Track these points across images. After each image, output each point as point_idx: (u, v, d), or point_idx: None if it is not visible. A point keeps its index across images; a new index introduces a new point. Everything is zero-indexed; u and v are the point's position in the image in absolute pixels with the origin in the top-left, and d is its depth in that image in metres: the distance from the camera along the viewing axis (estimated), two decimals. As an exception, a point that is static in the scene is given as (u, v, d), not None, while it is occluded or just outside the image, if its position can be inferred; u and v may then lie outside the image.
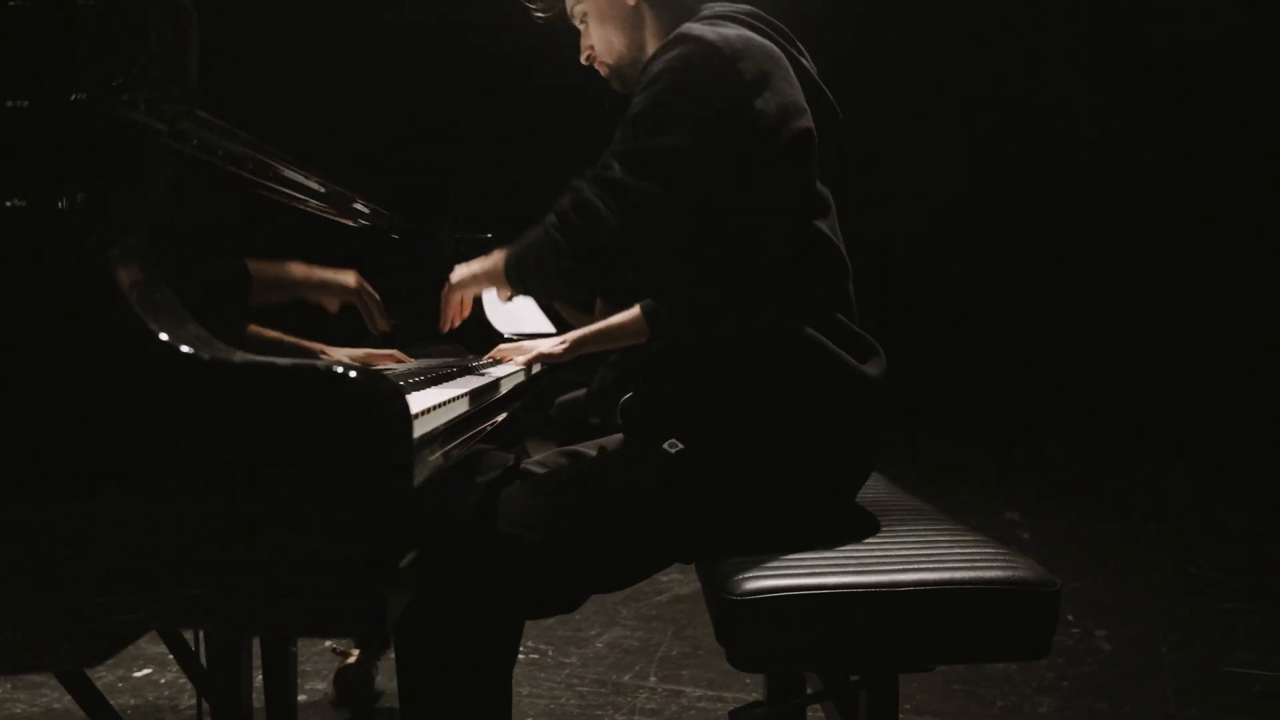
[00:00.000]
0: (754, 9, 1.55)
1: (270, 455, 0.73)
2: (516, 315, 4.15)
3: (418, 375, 1.52)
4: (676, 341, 1.51)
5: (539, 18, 1.73)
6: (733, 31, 1.42)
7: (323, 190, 1.55)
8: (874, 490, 1.69)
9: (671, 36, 1.42)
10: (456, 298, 1.67)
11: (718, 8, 1.53)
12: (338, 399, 0.73)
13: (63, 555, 0.73)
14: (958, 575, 1.23)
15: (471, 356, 2.24)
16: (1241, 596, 3.21)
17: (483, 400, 1.41)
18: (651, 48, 1.57)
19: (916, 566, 1.25)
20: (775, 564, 1.26)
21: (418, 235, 2.10)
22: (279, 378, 0.73)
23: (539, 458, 1.76)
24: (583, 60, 1.69)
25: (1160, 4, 5.87)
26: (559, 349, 2.05)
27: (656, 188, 1.31)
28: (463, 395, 1.26)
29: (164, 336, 0.75)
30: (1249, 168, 6.20)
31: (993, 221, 6.82)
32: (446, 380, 1.55)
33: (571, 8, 1.65)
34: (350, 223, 1.78)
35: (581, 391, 4.48)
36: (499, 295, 1.59)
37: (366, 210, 1.86)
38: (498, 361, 2.11)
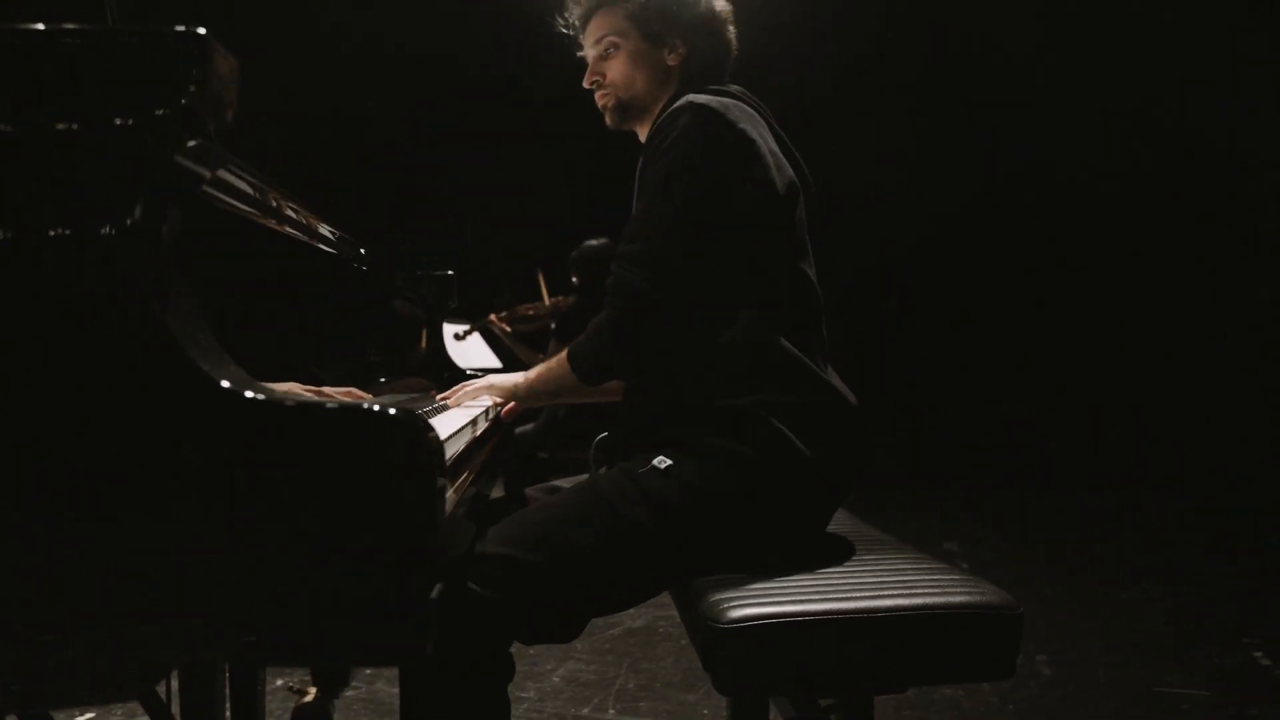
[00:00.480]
0: (744, 90, 1.73)
1: (321, 491, 0.77)
2: (469, 353, 4.18)
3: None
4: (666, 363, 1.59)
5: (561, 29, 1.84)
6: (734, 104, 1.59)
7: (329, 235, 1.59)
8: (836, 520, 1.77)
9: (678, 105, 1.58)
10: (465, 395, 1.87)
11: (683, 116, 1.65)
12: (386, 437, 0.77)
13: (128, 588, 0.75)
14: (930, 600, 1.30)
15: (434, 391, 2.26)
16: (1164, 619, 3.37)
17: (475, 435, 1.45)
18: (665, 100, 1.73)
19: (891, 593, 1.32)
20: (757, 592, 1.32)
21: (380, 268, 2.11)
22: (329, 418, 0.77)
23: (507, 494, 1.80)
24: (586, 84, 1.79)
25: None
26: (507, 386, 2.07)
27: (655, 283, 1.53)
28: (463, 429, 1.31)
29: (226, 384, 0.79)
30: (1193, 197, 6.43)
31: (927, 254, 7.03)
32: (437, 416, 1.59)
33: (601, 35, 1.75)
34: (327, 249, 1.79)
35: (529, 426, 4.51)
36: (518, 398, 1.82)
37: (333, 237, 1.88)
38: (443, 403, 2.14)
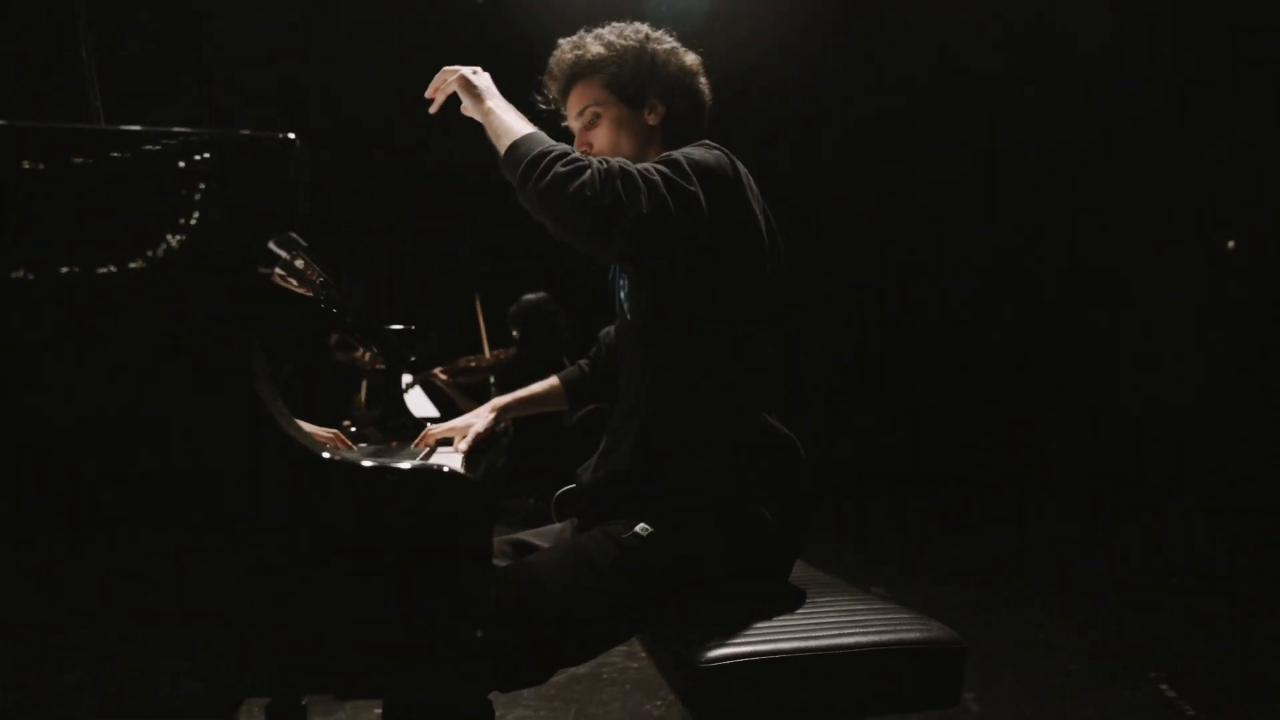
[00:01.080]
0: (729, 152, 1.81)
1: (393, 542, 0.89)
2: (410, 403, 4.25)
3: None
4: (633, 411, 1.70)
5: (541, 107, 1.91)
6: (721, 152, 1.69)
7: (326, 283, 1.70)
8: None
9: (674, 152, 1.65)
10: (443, 80, 1.78)
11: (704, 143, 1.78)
12: (454, 494, 0.90)
13: (233, 628, 0.86)
14: (885, 637, 1.44)
15: (395, 443, 2.33)
16: (1083, 657, 3.57)
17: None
18: (652, 159, 1.76)
19: (850, 631, 1.46)
20: (731, 635, 1.45)
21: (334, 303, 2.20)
22: (401, 476, 0.90)
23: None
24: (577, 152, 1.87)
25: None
26: (489, 421, 2.14)
27: (696, 189, 1.53)
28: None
29: (325, 455, 0.91)
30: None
31: (844, 292, 7.15)
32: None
33: (585, 106, 1.83)
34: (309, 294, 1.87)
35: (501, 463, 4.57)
36: (471, 108, 1.73)
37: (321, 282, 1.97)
38: (434, 446, 2.21)
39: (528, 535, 1.91)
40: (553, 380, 2.19)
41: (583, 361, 2.22)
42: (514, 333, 4.61)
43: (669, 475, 1.62)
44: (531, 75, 1.93)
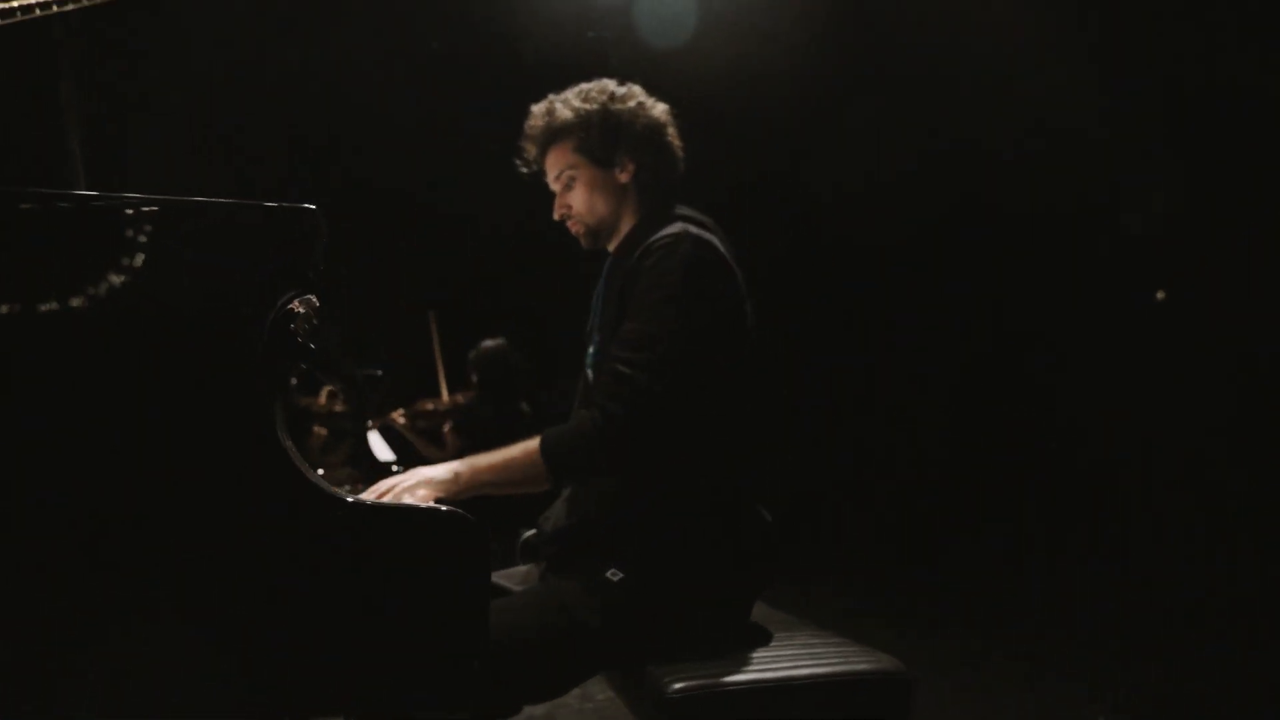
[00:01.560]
0: (713, 223, 1.91)
1: (406, 577, 1.01)
2: (374, 446, 4.32)
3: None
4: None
5: (521, 171, 2.00)
6: (709, 249, 1.78)
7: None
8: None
9: (675, 233, 1.77)
10: (401, 492, 1.74)
11: (686, 210, 1.89)
12: (462, 534, 1.03)
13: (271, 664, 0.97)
14: (837, 669, 1.58)
15: (360, 486, 2.39)
16: (1027, 690, 3.72)
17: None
18: (628, 217, 1.92)
19: (805, 664, 1.59)
20: (695, 669, 1.57)
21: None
22: (414, 516, 1.05)
23: None
24: (556, 216, 1.96)
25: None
26: (443, 478, 2.09)
27: (663, 387, 1.64)
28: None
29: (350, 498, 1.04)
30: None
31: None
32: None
33: (560, 171, 1.92)
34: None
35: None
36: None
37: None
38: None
39: (496, 578, 1.99)
40: (532, 444, 2.15)
41: None
42: (473, 377, 4.69)
43: (637, 523, 1.72)
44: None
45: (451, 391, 4.88)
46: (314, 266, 1.16)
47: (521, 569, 2.02)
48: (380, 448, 4.57)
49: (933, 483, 7.05)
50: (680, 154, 1.96)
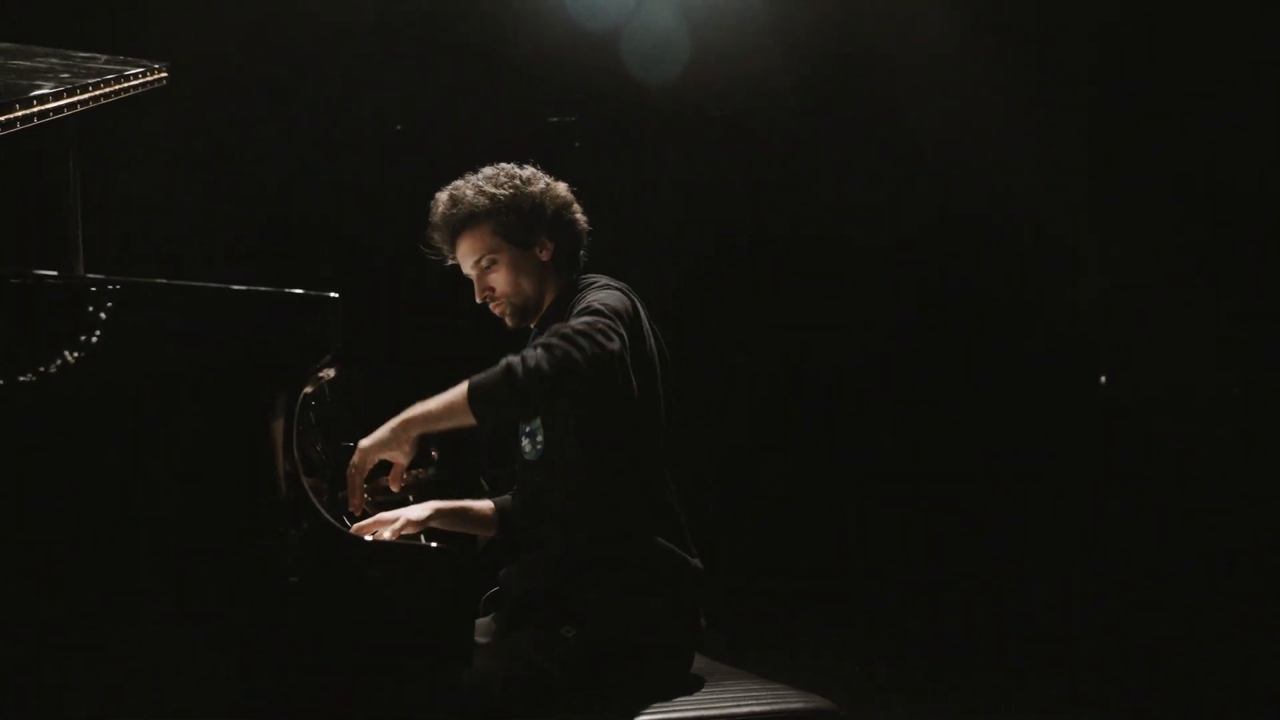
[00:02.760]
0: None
1: (405, 603, 1.23)
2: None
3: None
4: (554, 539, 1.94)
5: (432, 257, 2.07)
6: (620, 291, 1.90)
7: None
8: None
9: (589, 281, 1.93)
10: (360, 475, 1.85)
11: (599, 278, 1.98)
12: (448, 570, 1.24)
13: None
14: (773, 708, 1.72)
15: None
16: None
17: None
18: (549, 293, 2.01)
19: (745, 703, 1.73)
20: (643, 709, 1.71)
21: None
22: (404, 553, 1.32)
23: None
24: (479, 299, 2.02)
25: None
26: (423, 515, 2.20)
27: (618, 346, 1.68)
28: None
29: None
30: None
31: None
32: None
33: (480, 255, 1.97)
34: None
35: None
36: (399, 455, 1.85)
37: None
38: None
39: None
40: (488, 504, 2.30)
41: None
42: (432, 452, 4.74)
43: (584, 585, 1.86)
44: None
45: (410, 468, 4.91)
46: (332, 346, 1.35)
47: (483, 621, 2.13)
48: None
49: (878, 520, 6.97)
50: (586, 232, 2.07)
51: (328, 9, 4.47)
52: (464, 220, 1.96)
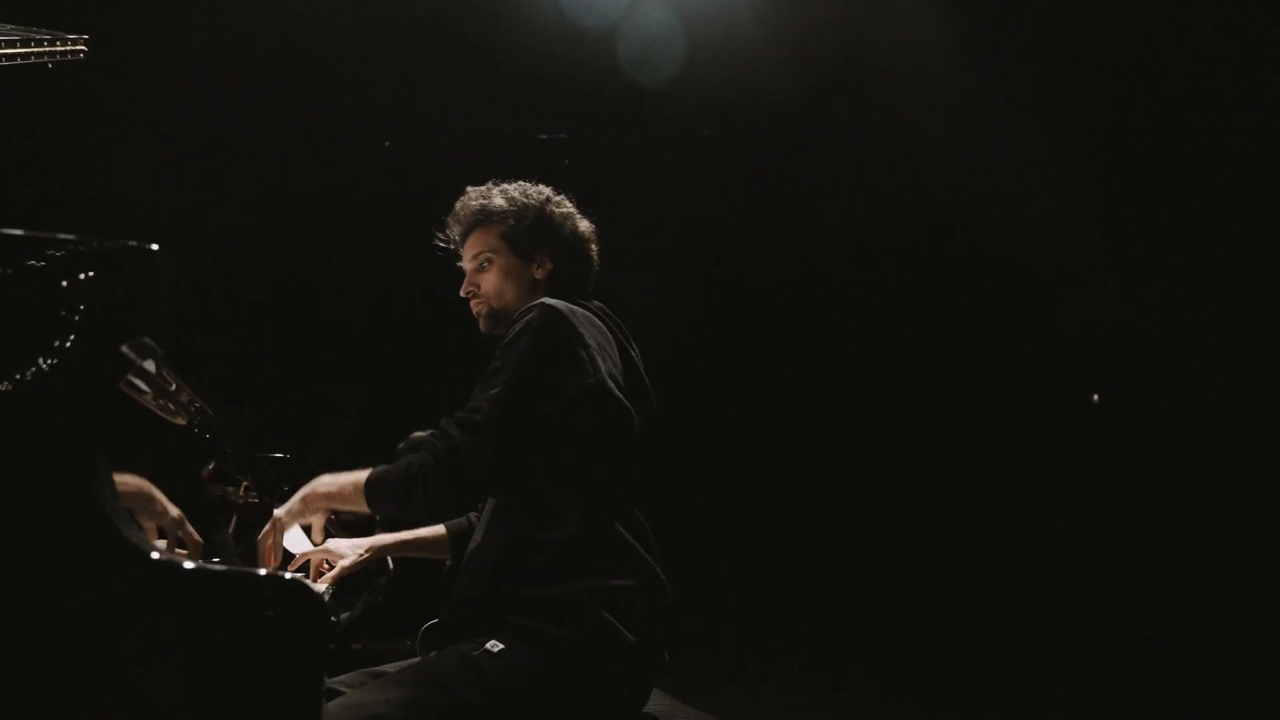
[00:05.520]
0: (604, 307, 1.99)
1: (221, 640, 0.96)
2: (292, 540, 4.11)
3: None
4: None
5: (441, 244, 2.10)
6: (581, 312, 1.89)
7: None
8: (654, 701, 1.91)
9: (533, 304, 1.87)
10: (267, 541, 1.91)
11: (545, 306, 1.93)
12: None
13: None
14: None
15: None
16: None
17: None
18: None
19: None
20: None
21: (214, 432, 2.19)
22: (236, 580, 1.06)
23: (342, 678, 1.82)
24: (463, 293, 2.05)
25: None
26: (358, 560, 2.14)
27: (490, 451, 1.69)
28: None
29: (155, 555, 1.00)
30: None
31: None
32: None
33: (478, 251, 2.01)
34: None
35: (344, 614, 4.36)
36: (313, 521, 1.77)
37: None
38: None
39: (387, 668, 1.88)
40: (439, 528, 2.22)
41: (472, 514, 2.24)
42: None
43: (518, 596, 1.67)
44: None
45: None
46: (153, 307, 1.14)
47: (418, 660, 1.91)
48: (301, 543, 4.36)
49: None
50: (595, 271, 2.08)
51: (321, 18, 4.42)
52: (481, 215, 2.01)
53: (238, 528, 2.62)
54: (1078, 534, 5.89)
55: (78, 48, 2.04)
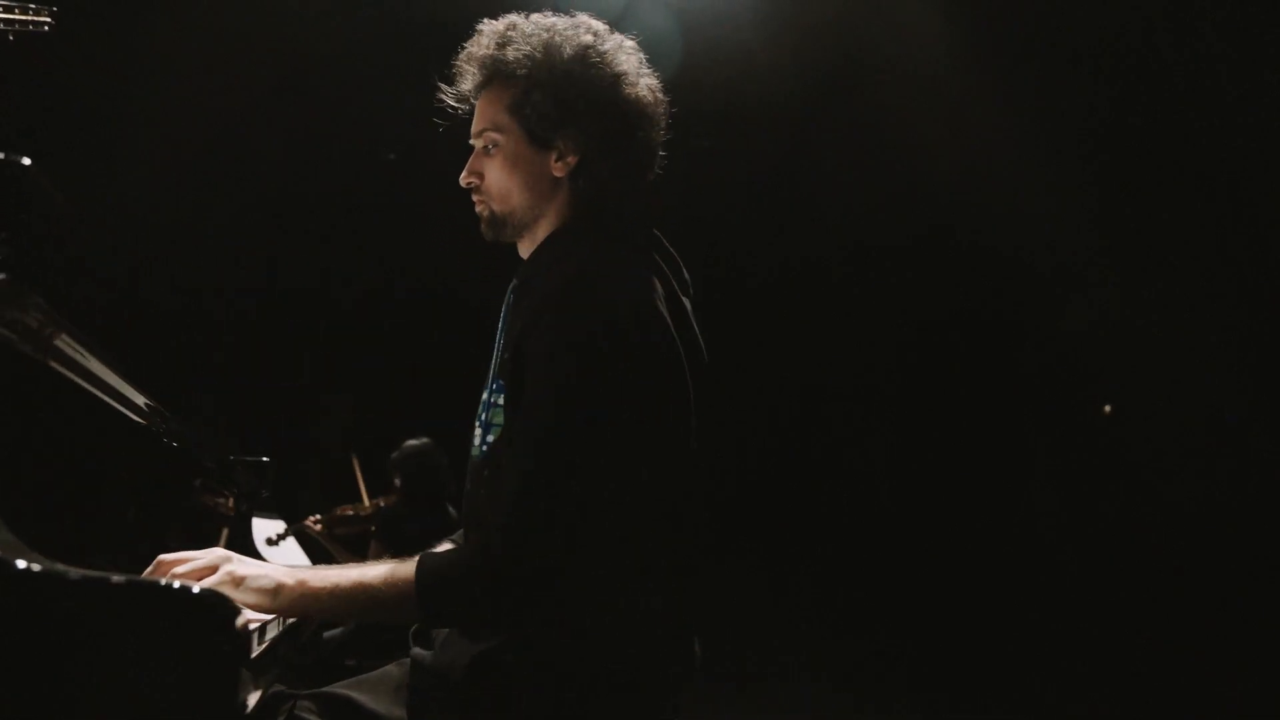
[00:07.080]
0: (660, 238, 1.47)
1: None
2: (281, 558, 4.11)
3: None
4: None
5: (451, 105, 1.50)
6: (638, 292, 1.35)
7: (140, 404, 1.63)
8: None
9: (572, 277, 1.33)
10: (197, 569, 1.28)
11: (626, 232, 1.44)
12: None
13: None
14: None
15: None
16: None
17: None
18: (546, 222, 1.43)
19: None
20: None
21: (196, 446, 2.07)
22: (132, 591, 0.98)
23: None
24: (462, 181, 1.46)
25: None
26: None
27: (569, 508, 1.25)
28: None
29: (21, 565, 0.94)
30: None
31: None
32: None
33: (484, 129, 1.42)
34: (134, 417, 1.74)
35: (338, 630, 4.35)
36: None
37: (146, 406, 1.77)
38: None
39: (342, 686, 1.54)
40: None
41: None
42: (395, 480, 4.51)
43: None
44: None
45: (372, 496, 4.70)
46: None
47: (376, 674, 1.77)
48: (295, 558, 4.34)
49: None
50: (653, 160, 1.44)
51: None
52: (494, 67, 1.40)
53: (227, 542, 2.56)
54: (1077, 533, 5.88)
55: (41, 19, 1.93)
